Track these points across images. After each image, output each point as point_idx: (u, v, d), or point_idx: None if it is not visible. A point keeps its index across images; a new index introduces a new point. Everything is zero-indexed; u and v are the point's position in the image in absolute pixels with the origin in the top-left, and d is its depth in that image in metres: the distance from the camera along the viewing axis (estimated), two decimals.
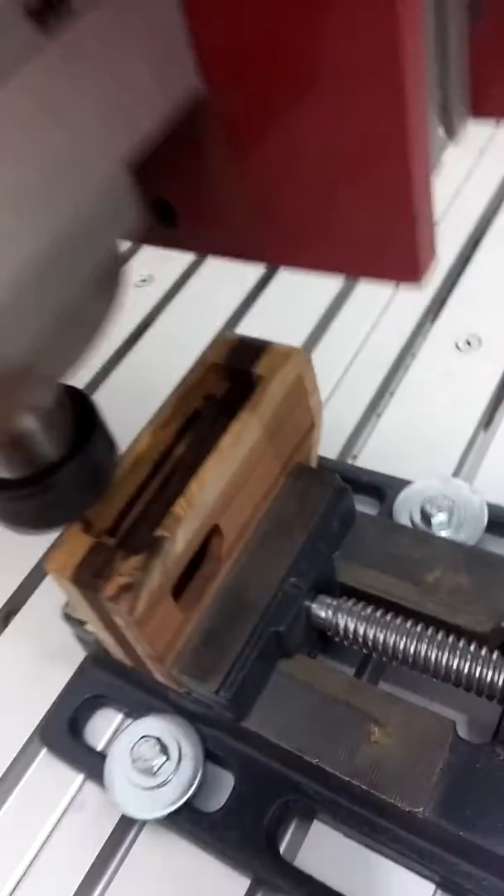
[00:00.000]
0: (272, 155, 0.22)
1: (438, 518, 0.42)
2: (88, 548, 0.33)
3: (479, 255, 0.60)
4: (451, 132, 0.26)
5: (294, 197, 0.23)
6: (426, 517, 0.43)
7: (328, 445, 0.48)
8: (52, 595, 0.48)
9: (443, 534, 0.42)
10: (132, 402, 0.42)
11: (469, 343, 0.53)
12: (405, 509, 0.44)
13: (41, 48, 0.17)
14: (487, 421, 0.50)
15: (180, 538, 0.33)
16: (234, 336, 0.39)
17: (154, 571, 0.32)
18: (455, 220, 0.62)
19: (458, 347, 0.53)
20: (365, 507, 0.47)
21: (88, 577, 0.32)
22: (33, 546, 0.50)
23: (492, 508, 0.43)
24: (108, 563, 0.32)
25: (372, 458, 0.50)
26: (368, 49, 0.18)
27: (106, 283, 0.23)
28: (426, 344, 0.55)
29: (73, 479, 0.29)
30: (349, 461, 0.51)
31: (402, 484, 0.45)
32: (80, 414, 0.30)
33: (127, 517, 0.35)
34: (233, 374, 0.39)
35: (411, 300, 0.57)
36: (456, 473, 0.47)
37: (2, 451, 0.27)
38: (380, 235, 0.22)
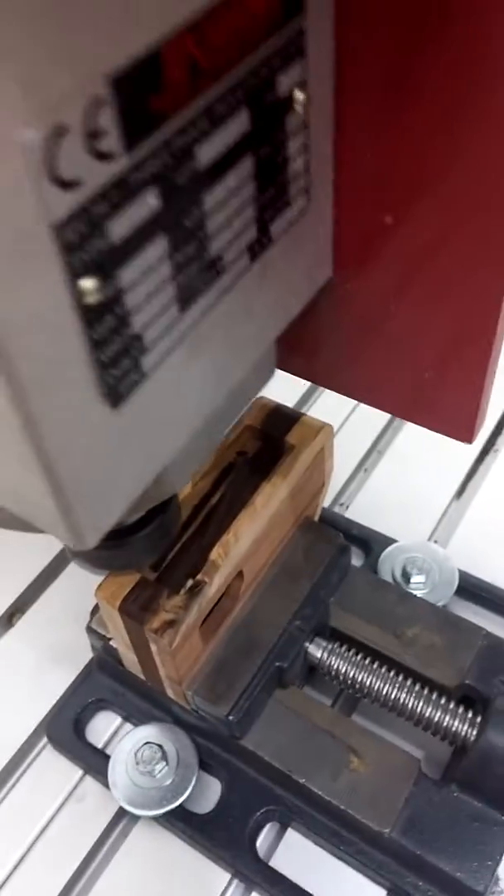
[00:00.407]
0: (376, 319, 0.27)
1: (417, 578, 0.49)
2: (135, 582, 0.38)
3: None
4: None
5: (380, 350, 0.28)
6: (406, 575, 0.49)
7: None
8: (58, 598, 0.53)
9: (418, 593, 0.49)
10: None
11: None
12: (388, 565, 0.50)
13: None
14: (460, 491, 0.57)
15: (216, 583, 0.38)
16: (271, 402, 0.45)
17: (193, 611, 0.37)
18: None
19: None
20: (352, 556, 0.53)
21: (136, 609, 0.37)
22: (43, 551, 0.55)
23: (462, 574, 0.50)
24: (155, 598, 0.37)
25: (359, 509, 0.56)
26: (472, 277, 0.24)
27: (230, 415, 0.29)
28: None
29: (149, 539, 0.33)
30: (337, 508, 0.57)
31: (388, 541, 0.52)
32: None
33: (167, 555, 0.40)
34: (266, 437, 0.44)
35: None
36: (432, 536, 0.54)
37: None
38: (449, 402, 0.28)
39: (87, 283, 0.17)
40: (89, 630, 0.46)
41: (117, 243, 0.17)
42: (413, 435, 0.60)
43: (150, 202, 0.18)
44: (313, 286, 0.26)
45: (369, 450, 0.60)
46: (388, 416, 0.61)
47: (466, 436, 0.28)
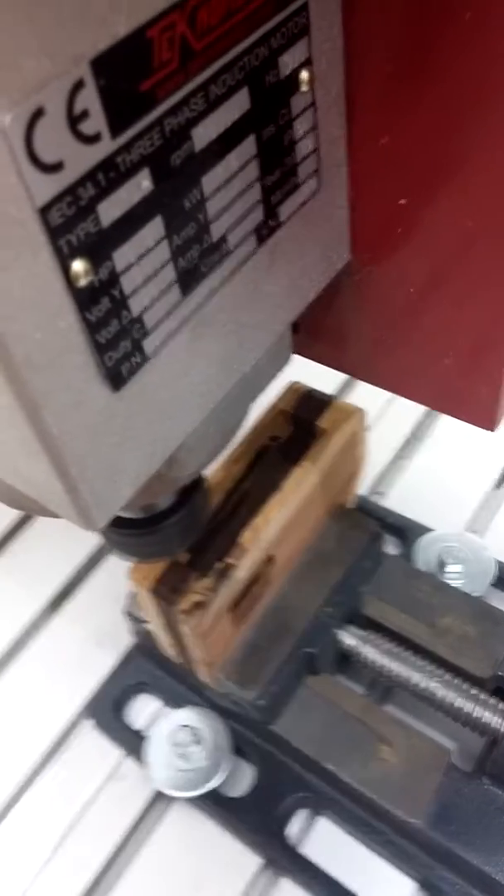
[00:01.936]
0: (397, 304, 0.27)
1: (452, 568, 0.48)
2: (167, 564, 0.38)
3: None
4: None
5: (402, 337, 0.28)
6: (441, 565, 0.49)
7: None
8: (102, 583, 0.54)
9: (454, 583, 0.48)
10: None
11: None
12: (424, 554, 0.50)
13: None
14: (500, 480, 0.56)
15: (244, 566, 0.39)
16: (303, 387, 0.45)
17: (221, 593, 0.38)
18: None
19: None
20: (387, 545, 0.53)
21: (166, 591, 0.37)
22: (88, 537, 0.56)
23: (500, 565, 0.49)
24: (184, 580, 0.38)
25: (396, 497, 0.56)
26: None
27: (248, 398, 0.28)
28: None
29: (177, 526, 0.33)
30: (374, 496, 0.56)
31: (424, 530, 0.51)
32: None
33: (199, 539, 0.41)
34: (298, 421, 0.44)
35: None
36: (469, 526, 0.53)
37: None
38: (470, 390, 0.27)
39: (79, 266, 0.17)
40: (128, 614, 0.46)
41: (109, 226, 0.17)
42: (452, 423, 0.59)
43: (142, 184, 0.18)
44: (331, 270, 0.26)
45: (408, 438, 0.59)
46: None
47: (488, 424, 0.28)
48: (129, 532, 0.33)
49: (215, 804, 0.42)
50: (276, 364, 0.27)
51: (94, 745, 0.46)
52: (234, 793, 0.43)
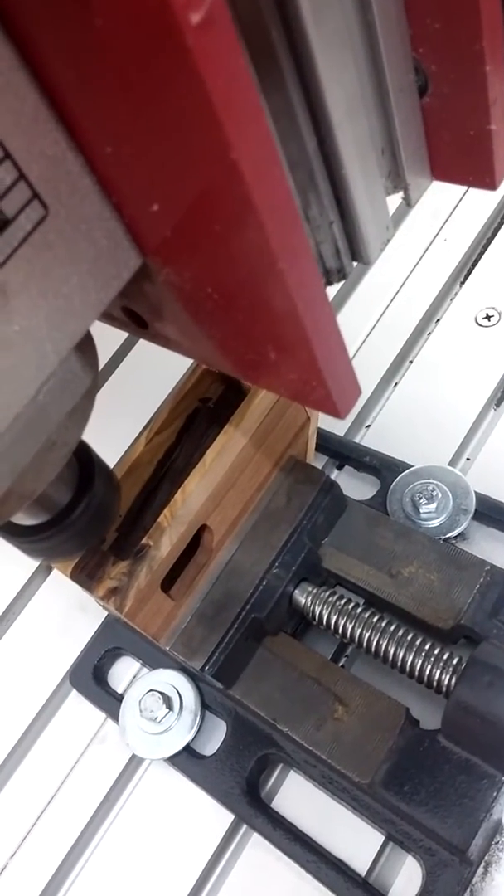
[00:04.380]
0: (206, 304, 0.24)
1: (426, 508, 0.45)
2: (86, 549, 0.38)
3: None
4: (408, 200, 0.27)
5: (230, 337, 0.25)
6: (416, 506, 0.45)
7: None
8: None
9: (430, 523, 0.45)
10: (131, 405, 0.46)
11: (489, 318, 0.53)
12: (398, 494, 0.47)
13: None
14: (494, 402, 0.51)
15: (165, 544, 0.38)
16: None
17: (140, 575, 0.37)
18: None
19: (477, 322, 0.53)
20: (366, 483, 0.50)
21: (84, 577, 0.37)
22: None
23: (481, 499, 0.45)
24: (101, 565, 0.37)
25: (383, 430, 0.52)
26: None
27: (78, 415, 0.26)
28: (450, 311, 0.55)
29: (83, 519, 0.32)
30: (362, 430, 0.53)
31: (401, 468, 0.48)
32: (79, 457, 0.33)
33: (122, 523, 0.40)
34: (227, 380, 0.42)
35: (438, 264, 0.57)
36: (459, 457, 0.49)
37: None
38: (307, 384, 0.24)
39: None
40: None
41: None
42: (439, 347, 0.54)
43: None
44: (120, 275, 0.23)
45: (394, 361, 0.54)
46: (413, 326, 0.55)
47: (335, 413, 0.24)
48: (35, 538, 0.33)
49: (188, 762, 0.43)
50: (70, 395, 0.25)
51: (80, 709, 0.47)
52: (208, 749, 0.44)
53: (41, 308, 0.20)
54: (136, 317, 0.27)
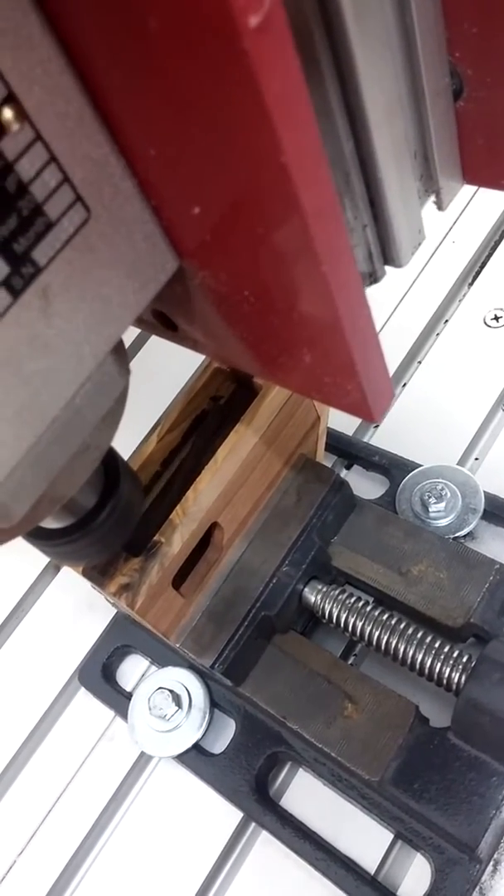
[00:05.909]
0: (242, 307, 0.24)
1: (435, 507, 0.45)
2: None
3: None
4: (439, 204, 0.27)
5: (263, 340, 0.25)
6: (425, 505, 0.46)
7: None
8: None
9: (439, 522, 0.45)
10: (142, 403, 0.46)
11: (497, 318, 0.53)
12: (408, 493, 0.47)
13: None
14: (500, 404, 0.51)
15: (176, 541, 0.38)
16: None
17: (151, 571, 0.37)
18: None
19: (485, 323, 0.53)
20: (375, 483, 0.50)
21: (96, 574, 0.37)
22: None
23: (490, 498, 0.45)
24: (113, 562, 0.37)
25: (392, 430, 0.52)
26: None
27: (111, 418, 0.26)
28: (459, 313, 0.55)
29: (109, 522, 0.32)
30: (373, 428, 0.53)
31: (410, 467, 0.48)
32: (105, 461, 0.33)
33: None
34: (238, 378, 0.42)
35: (446, 266, 0.57)
36: (468, 457, 0.49)
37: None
38: (339, 385, 0.24)
39: None
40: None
41: None
42: (449, 346, 0.54)
43: None
44: (157, 278, 0.23)
45: (403, 361, 0.55)
46: (421, 327, 0.55)
47: (369, 416, 0.24)
48: (61, 541, 0.32)
49: (197, 760, 0.43)
50: (105, 398, 0.25)
51: (89, 707, 0.47)
52: (216, 747, 0.44)
53: (81, 310, 0.20)
54: (165, 319, 0.27)
